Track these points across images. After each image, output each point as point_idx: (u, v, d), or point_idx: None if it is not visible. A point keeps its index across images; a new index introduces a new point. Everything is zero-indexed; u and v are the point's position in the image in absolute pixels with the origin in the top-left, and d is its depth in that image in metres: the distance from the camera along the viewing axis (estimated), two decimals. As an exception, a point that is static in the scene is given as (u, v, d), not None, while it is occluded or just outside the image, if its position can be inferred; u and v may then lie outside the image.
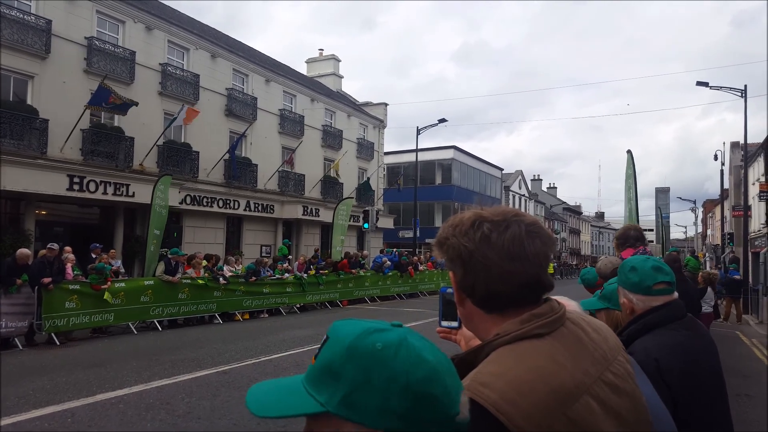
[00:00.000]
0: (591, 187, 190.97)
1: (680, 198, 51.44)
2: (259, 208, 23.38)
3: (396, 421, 0.61)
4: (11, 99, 15.69)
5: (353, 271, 18.37)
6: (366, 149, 32.45)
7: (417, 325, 12.54)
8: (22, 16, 15.65)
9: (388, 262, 20.14)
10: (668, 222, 54.86)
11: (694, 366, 1.72)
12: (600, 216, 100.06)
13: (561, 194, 79.04)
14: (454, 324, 1.28)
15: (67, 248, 11.55)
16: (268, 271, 15.18)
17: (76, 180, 15.61)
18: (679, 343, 1.75)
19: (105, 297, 10.81)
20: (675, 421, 1.62)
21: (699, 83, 20.68)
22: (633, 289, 1.84)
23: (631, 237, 3.87)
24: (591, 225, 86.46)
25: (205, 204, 20.80)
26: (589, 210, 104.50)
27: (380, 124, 34.39)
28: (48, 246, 10.46)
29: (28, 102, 15.95)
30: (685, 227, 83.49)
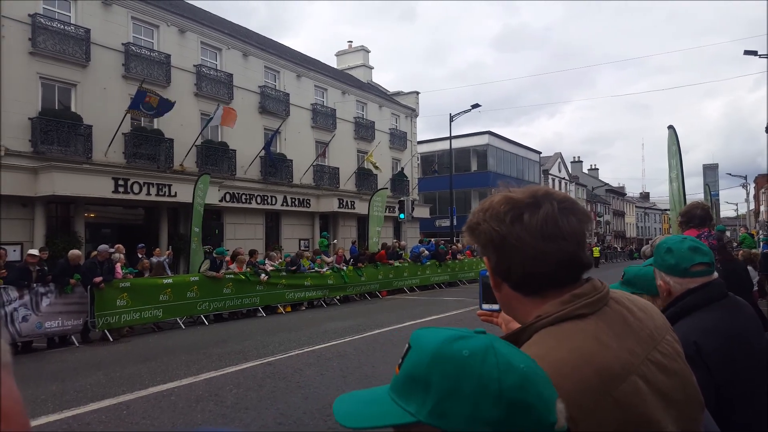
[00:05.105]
0: (635, 167, 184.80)
1: (730, 174, 49.12)
2: (296, 202, 23.68)
3: (488, 430, 0.59)
4: (56, 107, 16.36)
5: (391, 261, 18.38)
6: (399, 139, 32.32)
7: (458, 314, 12.45)
8: (62, 27, 16.25)
9: (426, 252, 20.05)
10: (718, 200, 52.47)
11: (735, 347, 1.66)
12: (645, 196, 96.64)
13: (604, 176, 77.00)
14: (495, 307, 1.28)
15: (119, 246, 12.06)
16: (309, 264, 15.39)
17: (120, 182, 16.18)
18: (719, 325, 1.69)
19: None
20: (718, 404, 1.57)
21: (747, 52, 19.59)
22: (670, 271, 1.77)
23: (696, 216, 3.63)
24: (636, 206, 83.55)
25: (243, 201, 21.21)
26: (633, 191, 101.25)
27: (412, 113, 34.17)
28: (104, 249, 10.91)
29: (72, 109, 16.59)
30: (736, 204, 79.77)
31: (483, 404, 0.58)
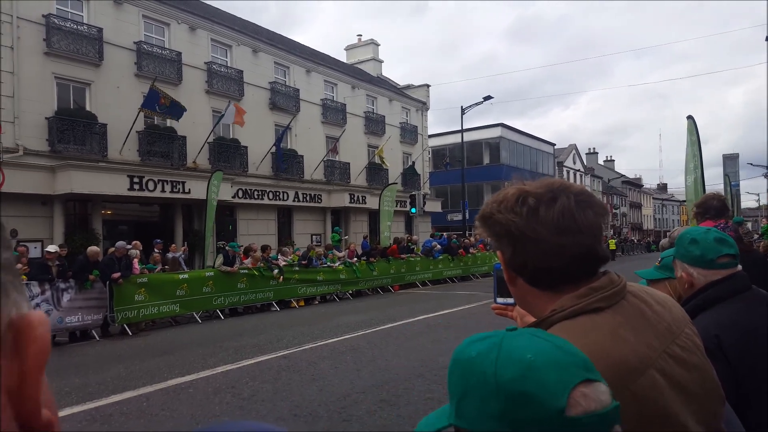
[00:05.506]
0: (652, 158, 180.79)
1: (751, 164, 47.65)
2: (307, 198, 23.81)
3: (497, 424, 0.61)
4: (72, 107, 16.62)
5: (403, 256, 18.43)
6: (409, 133, 32.25)
7: (471, 308, 12.48)
8: (75, 26, 16.46)
9: (438, 246, 20.05)
10: (738, 190, 51.45)
11: (757, 341, 1.63)
12: (662, 188, 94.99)
13: (621, 167, 75.84)
14: (510, 300, 1.28)
15: (136, 242, 12.28)
16: (321, 259, 15.51)
17: (135, 180, 16.40)
18: (741, 318, 1.66)
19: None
20: (739, 399, 1.55)
21: None
22: (694, 262, 1.74)
23: (712, 207, 3.54)
24: (653, 198, 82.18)
25: (256, 197, 21.38)
26: (650, 182, 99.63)
27: (423, 106, 34.03)
28: (122, 245, 11.13)
29: (87, 108, 16.83)
30: (758, 195, 78.34)
31: (486, 400, 0.61)
